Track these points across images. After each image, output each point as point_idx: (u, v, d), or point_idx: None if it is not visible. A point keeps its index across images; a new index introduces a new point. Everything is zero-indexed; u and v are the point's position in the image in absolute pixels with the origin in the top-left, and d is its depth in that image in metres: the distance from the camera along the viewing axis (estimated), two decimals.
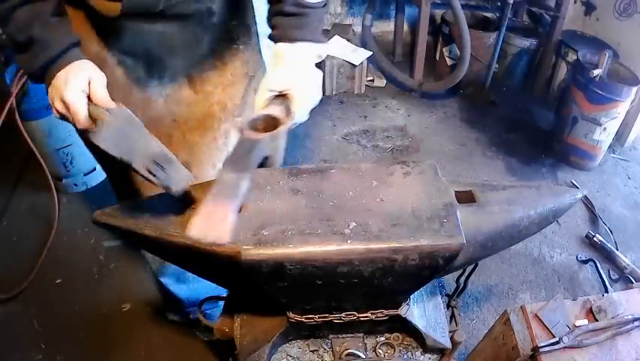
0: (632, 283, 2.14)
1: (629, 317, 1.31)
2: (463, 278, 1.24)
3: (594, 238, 2.44)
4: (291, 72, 1.01)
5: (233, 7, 1.23)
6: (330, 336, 1.08)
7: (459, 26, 2.94)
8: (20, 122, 2.13)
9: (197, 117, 1.29)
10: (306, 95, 1.01)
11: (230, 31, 1.26)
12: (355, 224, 0.87)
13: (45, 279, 2.20)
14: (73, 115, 0.92)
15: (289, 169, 1.00)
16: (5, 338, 2.00)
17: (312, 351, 1.08)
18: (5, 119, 2.09)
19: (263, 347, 1.03)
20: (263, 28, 1.20)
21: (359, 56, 3.34)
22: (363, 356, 1.05)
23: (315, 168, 1.01)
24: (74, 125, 0.95)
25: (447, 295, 1.26)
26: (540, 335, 1.30)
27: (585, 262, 2.39)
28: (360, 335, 1.08)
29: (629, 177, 2.94)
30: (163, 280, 1.68)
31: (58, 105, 0.95)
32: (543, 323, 1.32)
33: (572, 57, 3.14)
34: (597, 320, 1.32)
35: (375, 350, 1.08)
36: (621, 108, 2.66)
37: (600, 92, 2.61)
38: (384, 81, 3.63)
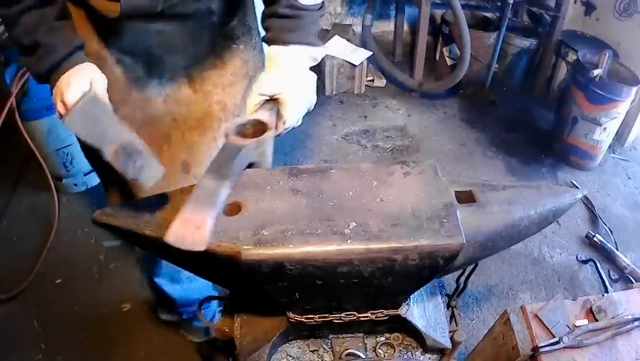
0: (632, 283, 2.14)
1: (629, 316, 1.31)
2: (463, 278, 1.24)
3: (594, 238, 2.44)
4: (282, 76, 0.99)
5: (234, 7, 1.23)
6: (330, 336, 1.08)
7: (459, 26, 2.94)
8: (20, 122, 2.13)
9: (197, 117, 1.29)
10: (298, 100, 0.99)
11: (230, 31, 1.26)
12: (355, 224, 0.87)
13: (45, 279, 2.20)
14: None
15: (289, 169, 1.00)
16: (5, 338, 2.00)
17: (312, 351, 1.08)
18: (5, 119, 2.09)
19: (263, 347, 1.03)
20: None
21: (359, 56, 3.34)
22: (363, 356, 1.05)
23: (315, 168, 1.01)
24: None
25: (447, 295, 1.26)
26: (540, 335, 1.30)
27: (585, 262, 2.39)
28: (360, 335, 1.08)
29: (629, 177, 2.94)
30: (157, 280, 1.68)
31: (60, 106, 0.96)
32: (543, 323, 1.32)
33: (572, 57, 3.14)
34: (597, 320, 1.32)
35: (375, 350, 1.08)
36: (621, 108, 2.66)
37: (600, 92, 2.61)
38: (384, 81, 3.62)
